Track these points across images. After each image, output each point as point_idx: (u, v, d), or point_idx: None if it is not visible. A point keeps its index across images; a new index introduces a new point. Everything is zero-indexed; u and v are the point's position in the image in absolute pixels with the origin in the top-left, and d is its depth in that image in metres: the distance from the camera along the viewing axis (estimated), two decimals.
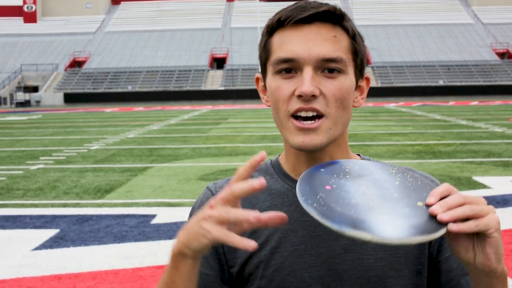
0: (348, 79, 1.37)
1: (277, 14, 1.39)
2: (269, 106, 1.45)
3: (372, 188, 1.21)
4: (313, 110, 1.34)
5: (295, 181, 1.46)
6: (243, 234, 1.42)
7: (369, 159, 1.53)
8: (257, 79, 1.52)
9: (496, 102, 48.55)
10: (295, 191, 1.43)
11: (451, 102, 50.77)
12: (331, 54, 1.34)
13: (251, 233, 1.41)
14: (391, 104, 47.59)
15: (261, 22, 60.77)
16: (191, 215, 1.52)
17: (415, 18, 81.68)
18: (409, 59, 68.91)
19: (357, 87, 1.44)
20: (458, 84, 61.06)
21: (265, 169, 1.53)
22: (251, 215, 1.12)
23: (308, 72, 1.33)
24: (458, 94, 58.67)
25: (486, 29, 77.19)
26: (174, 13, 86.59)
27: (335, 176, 1.24)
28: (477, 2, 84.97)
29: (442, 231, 1.13)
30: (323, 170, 1.26)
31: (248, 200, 1.46)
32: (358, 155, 1.55)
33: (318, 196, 1.16)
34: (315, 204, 1.14)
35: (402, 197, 1.20)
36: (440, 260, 1.46)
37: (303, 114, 1.34)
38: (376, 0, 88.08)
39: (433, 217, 1.14)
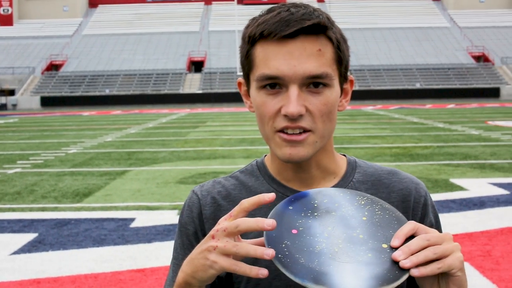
0: (333, 91, 1.37)
1: (259, 24, 1.36)
2: (253, 112, 1.45)
3: (338, 229, 1.22)
4: (299, 128, 1.34)
5: (280, 184, 1.48)
6: None
7: (355, 160, 1.55)
8: (240, 83, 1.51)
9: (472, 105, 48.93)
10: (280, 195, 1.44)
11: (428, 105, 51.11)
12: (316, 70, 1.32)
13: None
14: (369, 107, 47.82)
15: (239, 26, 60.81)
16: (179, 220, 1.54)
17: (392, 22, 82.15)
18: (386, 62, 69.28)
19: (342, 92, 1.45)
20: (435, 87, 61.52)
21: (251, 170, 1.54)
22: (266, 253, 1.14)
23: (293, 91, 1.32)
24: (435, 97, 59.16)
25: (462, 32, 77.81)
26: (152, 17, 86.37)
27: (302, 215, 1.24)
28: (453, 6, 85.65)
29: (404, 277, 1.15)
30: (292, 208, 1.26)
31: (234, 204, 1.43)
32: (344, 155, 1.56)
33: (283, 245, 1.18)
34: (279, 255, 1.16)
35: (368, 239, 1.21)
36: None
37: (289, 131, 1.34)
38: (353, 4, 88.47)
39: (396, 262, 1.16)
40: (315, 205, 1.27)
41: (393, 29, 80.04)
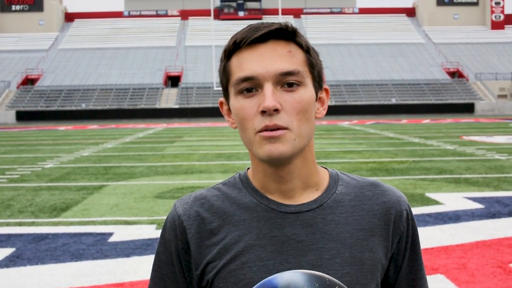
0: (307, 91, 1.43)
1: (232, 38, 1.45)
2: (235, 128, 1.49)
3: None
4: (276, 126, 1.38)
5: (263, 197, 1.50)
6: (214, 247, 1.48)
7: (337, 173, 1.58)
8: (221, 103, 1.56)
9: (447, 120, 49.34)
10: (264, 206, 1.48)
11: (404, 120, 51.44)
12: (288, 67, 1.40)
13: (221, 248, 1.46)
14: (345, 122, 48.02)
15: (216, 41, 60.88)
16: (162, 235, 1.56)
17: (368, 38, 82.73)
18: (362, 77, 69.72)
19: (317, 98, 1.50)
20: (410, 102, 61.99)
21: (234, 182, 1.56)
22: None
23: (268, 88, 1.38)
24: (410, 113, 59.56)
25: (437, 48, 78.59)
26: (128, 31, 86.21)
27: None
28: (428, 22, 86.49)
29: None
30: None
31: (218, 215, 1.50)
32: (325, 168, 1.59)
33: None
34: None
35: None
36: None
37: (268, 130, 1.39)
38: (329, 20, 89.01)
39: None
40: None
41: (368, 45, 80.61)
